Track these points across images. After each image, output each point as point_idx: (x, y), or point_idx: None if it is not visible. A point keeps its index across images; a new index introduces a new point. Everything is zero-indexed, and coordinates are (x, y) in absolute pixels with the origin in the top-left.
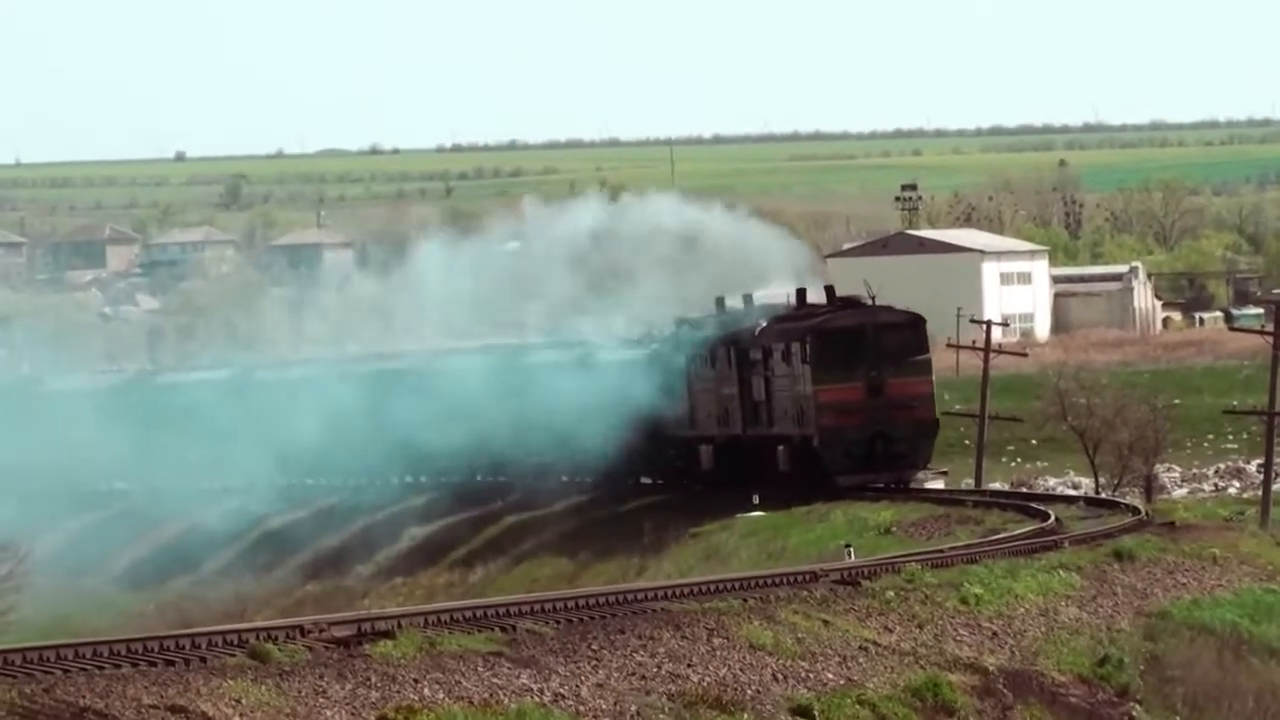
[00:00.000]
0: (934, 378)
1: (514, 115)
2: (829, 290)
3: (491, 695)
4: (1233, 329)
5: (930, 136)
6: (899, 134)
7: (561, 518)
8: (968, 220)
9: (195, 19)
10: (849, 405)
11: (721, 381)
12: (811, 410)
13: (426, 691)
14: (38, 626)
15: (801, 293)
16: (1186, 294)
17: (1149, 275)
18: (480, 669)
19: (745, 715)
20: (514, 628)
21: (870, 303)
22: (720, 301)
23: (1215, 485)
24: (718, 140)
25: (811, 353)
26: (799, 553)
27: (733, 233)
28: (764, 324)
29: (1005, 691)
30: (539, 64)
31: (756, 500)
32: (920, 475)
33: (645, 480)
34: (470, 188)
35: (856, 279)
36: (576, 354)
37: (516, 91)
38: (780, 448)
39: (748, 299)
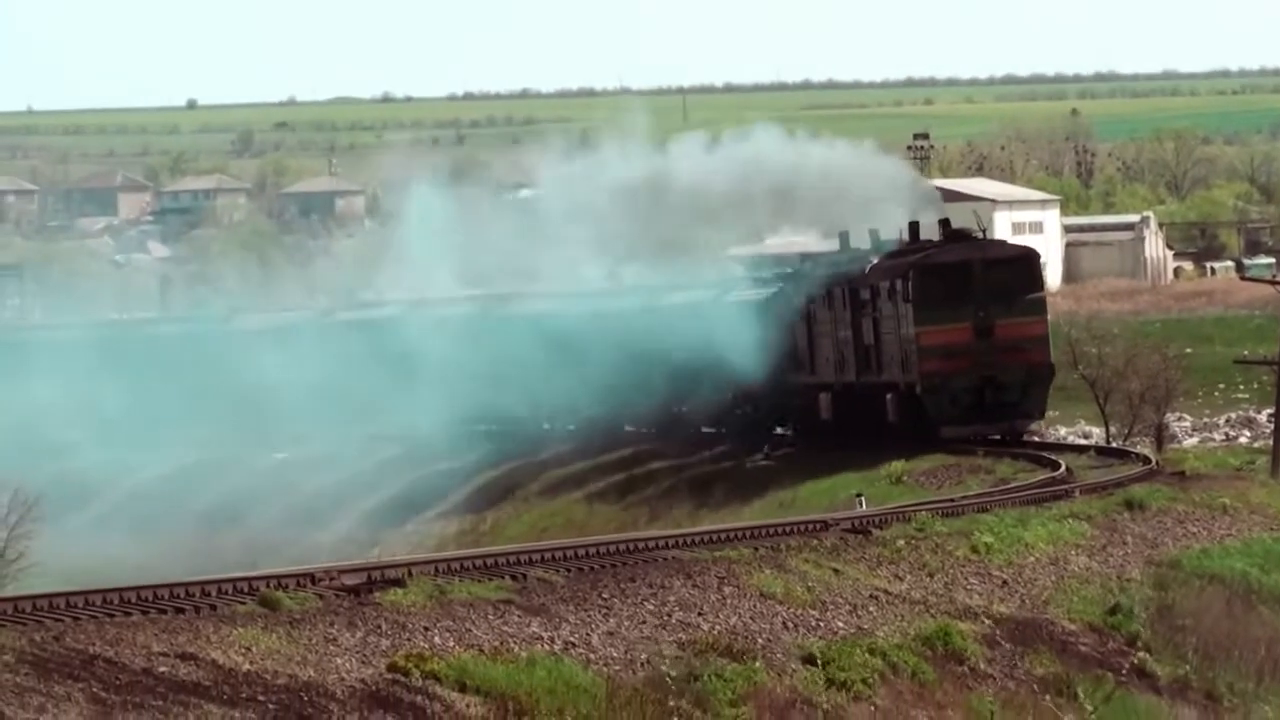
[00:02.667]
0: (1049, 317)
1: (526, 63)
2: (943, 224)
3: (502, 643)
4: (1244, 279)
5: (942, 85)
6: (911, 83)
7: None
8: (979, 170)
9: None
10: (954, 348)
11: (838, 324)
12: (914, 355)
13: (437, 639)
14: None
15: (914, 226)
16: (1198, 244)
17: (1160, 225)
18: (491, 617)
19: (756, 663)
20: (524, 576)
21: (980, 236)
22: (844, 237)
23: (1226, 435)
24: (730, 89)
25: (913, 291)
26: (810, 502)
27: (845, 162)
28: (874, 261)
29: (1012, 640)
30: (551, 12)
31: (765, 450)
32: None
33: (779, 431)
34: (483, 135)
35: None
36: (702, 296)
37: (528, 39)
38: (889, 396)
39: (873, 234)
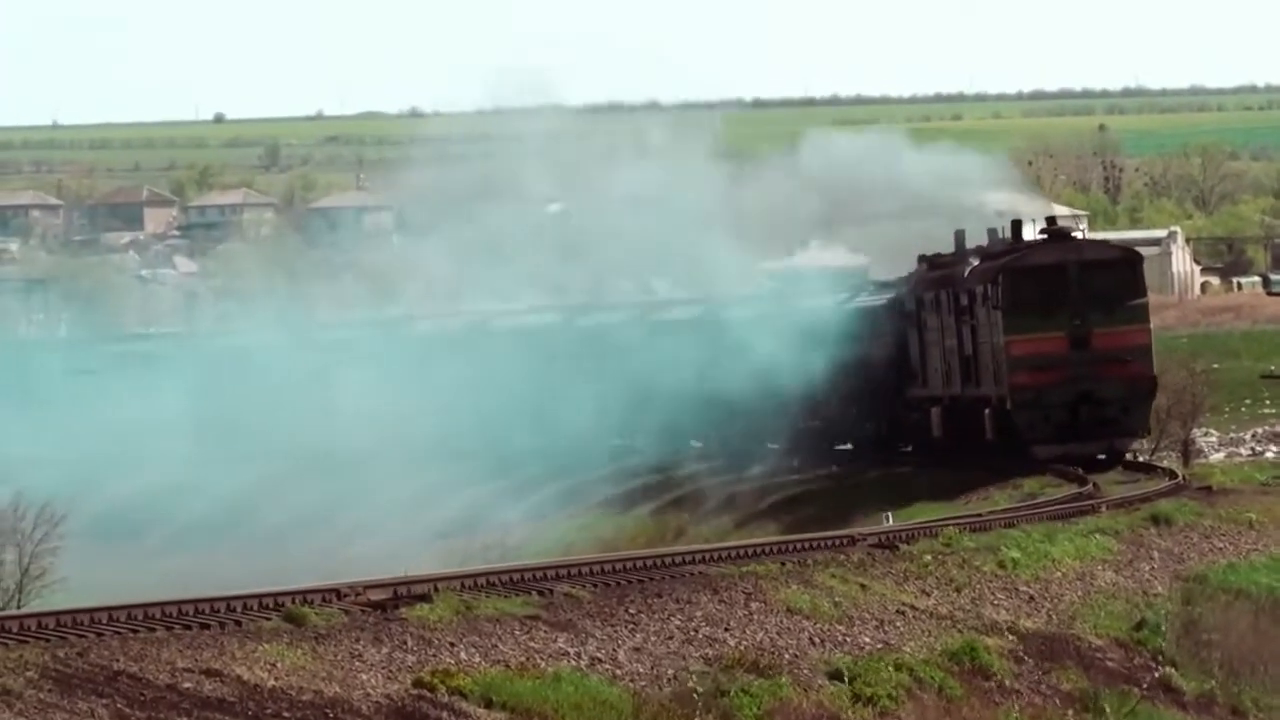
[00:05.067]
0: (1151, 327)
1: (552, 75)
2: (1049, 221)
3: (528, 659)
4: (1270, 294)
5: (970, 100)
6: (939, 98)
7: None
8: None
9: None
10: (1048, 360)
11: (945, 331)
12: (1004, 366)
13: (463, 655)
14: None
15: (1017, 225)
16: (1225, 258)
17: (1187, 240)
18: (517, 632)
19: (783, 679)
20: (551, 591)
21: (1080, 235)
22: (959, 236)
23: (1252, 449)
24: (758, 104)
25: (1003, 296)
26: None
27: (946, 167)
28: (975, 263)
29: (1038, 656)
30: (577, 26)
31: (795, 464)
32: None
33: (905, 449)
34: (509, 149)
35: (901, 245)
36: (816, 304)
37: (553, 55)
38: (986, 411)
39: (992, 233)
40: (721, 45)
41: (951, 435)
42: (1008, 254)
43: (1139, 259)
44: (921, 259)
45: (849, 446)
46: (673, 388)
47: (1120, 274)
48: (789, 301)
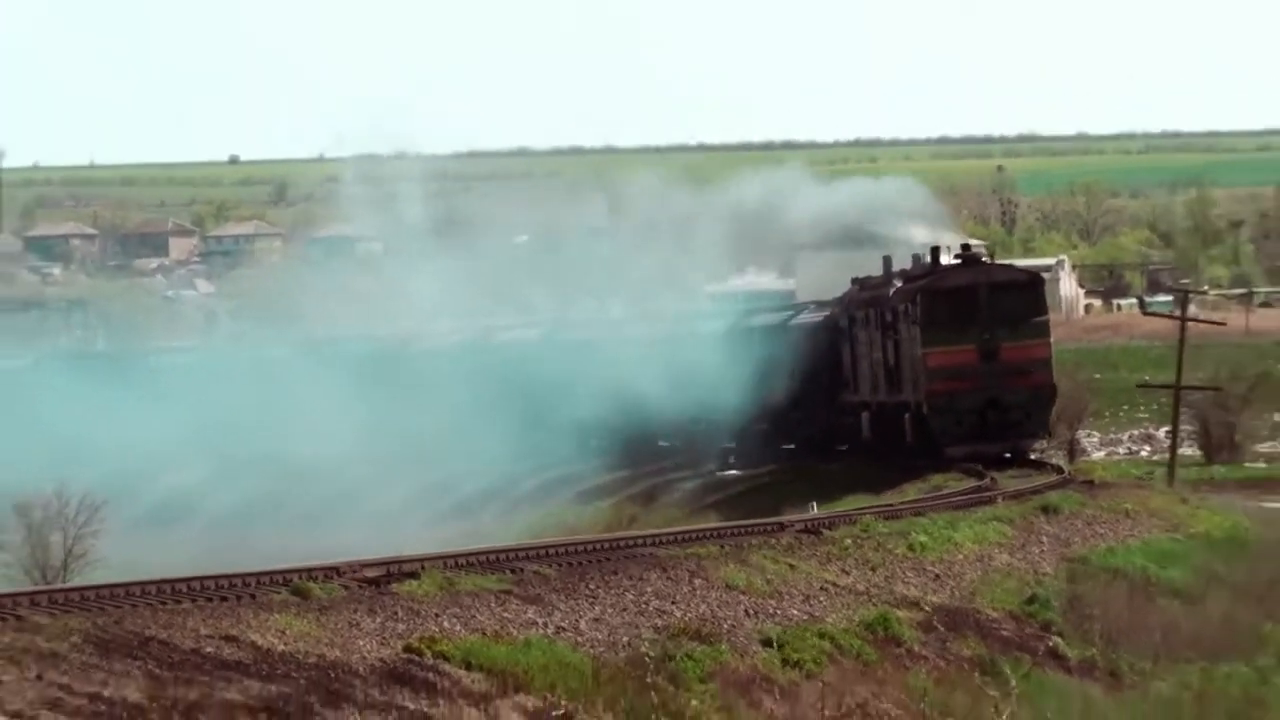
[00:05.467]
0: (1052, 341)
1: (523, 124)
2: (964, 248)
3: (502, 628)
4: (1146, 314)
5: (886, 145)
6: (859, 143)
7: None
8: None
9: (244, 42)
10: (960, 370)
11: (873, 345)
12: (922, 375)
13: (446, 624)
14: None
15: (935, 251)
16: (1106, 283)
17: (1073, 267)
18: (493, 605)
19: (722, 646)
20: (522, 569)
21: (988, 260)
22: (887, 261)
23: (1129, 449)
24: (702, 148)
25: (922, 314)
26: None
27: (874, 194)
28: (899, 285)
29: (943, 626)
30: (546, 78)
31: (732, 460)
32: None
33: (840, 447)
34: (484, 186)
35: (830, 269)
36: (764, 320)
37: (525, 102)
38: (906, 415)
39: (917, 258)
40: (671, 94)
41: (878, 436)
42: (926, 276)
43: (1041, 281)
44: (854, 281)
45: (792, 446)
46: (640, 395)
47: (1025, 295)
48: (739, 319)
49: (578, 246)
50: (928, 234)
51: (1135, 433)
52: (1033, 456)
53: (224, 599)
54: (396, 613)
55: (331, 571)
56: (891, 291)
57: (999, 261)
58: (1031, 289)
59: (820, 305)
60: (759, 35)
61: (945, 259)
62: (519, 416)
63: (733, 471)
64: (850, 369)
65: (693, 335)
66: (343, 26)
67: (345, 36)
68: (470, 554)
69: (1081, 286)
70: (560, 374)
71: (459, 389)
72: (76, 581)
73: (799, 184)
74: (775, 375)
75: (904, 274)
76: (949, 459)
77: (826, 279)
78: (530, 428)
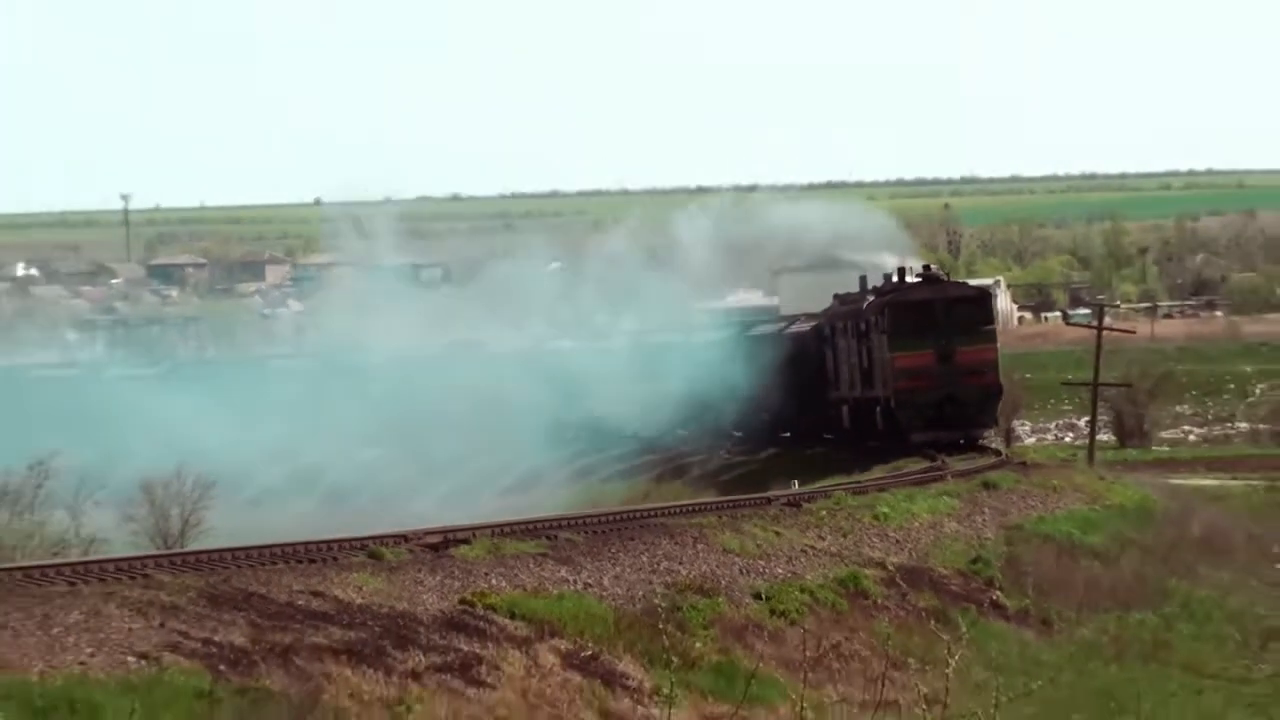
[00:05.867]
0: (999, 346)
1: (556, 169)
2: (925, 268)
3: (540, 584)
4: (1068, 324)
5: (852, 187)
6: (829, 185)
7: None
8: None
9: (326, 101)
10: (921, 370)
11: (851, 350)
12: (889, 374)
13: (494, 582)
14: None
15: (901, 271)
16: (1035, 299)
17: (1008, 286)
18: (532, 566)
19: (720, 598)
20: (556, 536)
21: (944, 278)
22: (863, 280)
23: (1055, 435)
24: (701, 190)
25: (889, 323)
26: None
27: (848, 221)
28: (871, 299)
29: (903, 582)
30: (576, 130)
31: (735, 445)
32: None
33: (827, 436)
34: (524, 224)
35: (804, 289)
36: (764, 330)
37: (559, 151)
38: (877, 408)
39: (887, 277)
40: (674, 142)
41: (856, 426)
42: (892, 292)
43: (989, 296)
44: (835, 296)
45: (788, 434)
46: (667, 391)
47: (975, 307)
48: (743, 329)
49: (597, 272)
50: (894, 258)
51: (1060, 422)
52: (981, 443)
53: (312, 561)
54: (453, 572)
55: (400, 538)
56: (865, 305)
57: (953, 280)
58: (981, 302)
59: (810, 317)
60: (735, 89)
61: (909, 278)
62: (563, 411)
63: (739, 456)
64: (834, 370)
65: (704, 343)
66: (403, 88)
67: (404, 96)
68: (512, 524)
69: (1015, 302)
70: (592, 376)
71: (516, 388)
72: (192, 547)
73: (780, 209)
74: (773, 376)
75: (875, 290)
76: (913, 444)
77: (804, 296)
78: (571, 421)
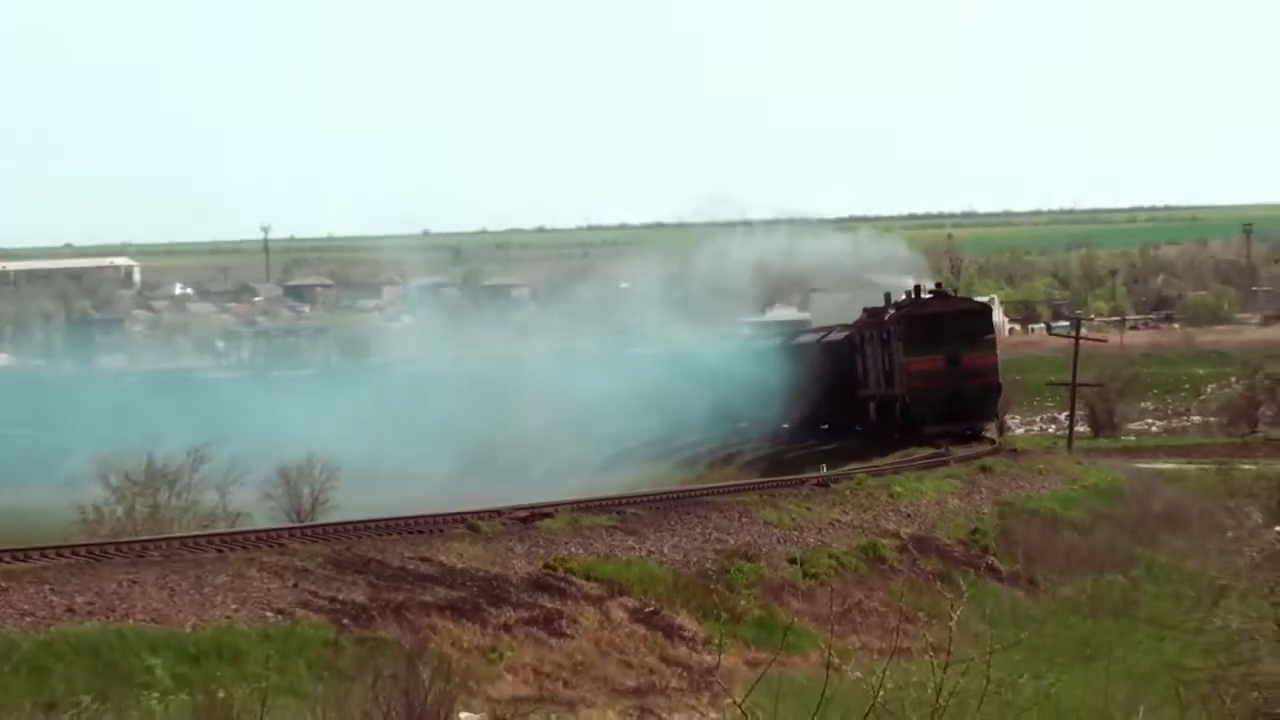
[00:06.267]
0: (998, 352)
1: (622, 205)
2: (937, 286)
3: (610, 551)
4: (1051, 334)
5: (868, 220)
6: (852, 218)
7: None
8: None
9: (429, 146)
10: (932, 373)
11: (876, 355)
12: (905, 376)
13: (572, 549)
14: None
15: (917, 288)
16: (1023, 314)
17: (1001, 303)
18: (604, 535)
19: (761, 563)
20: (624, 511)
21: (952, 294)
22: (888, 296)
23: (1040, 427)
24: (746, 223)
25: (904, 333)
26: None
27: (873, 250)
28: (892, 311)
29: (914, 550)
30: (643, 171)
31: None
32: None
33: (858, 428)
34: (598, 251)
35: (832, 306)
36: (806, 338)
37: (626, 189)
38: (897, 405)
39: (908, 292)
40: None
41: (881, 420)
42: (908, 306)
43: (990, 310)
44: (865, 310)
45: (826, 427)
46: (731, 390)
47: (978, 318)
48: (789, 338)
49: (659, 292)
50: (911, 279)
51: (1044, 416)
52: (984, 435)
53: (421, 532)
54: (538, 541)
55: (494, 513)
56: (886, 316)
57: (960, 295)
58: (984, 315)
59: (845, 327)
60: (755, 129)
61: (924, 295)
62: (647, 405)
63: (789, 445)
64: (862, 372)
65: (757, 349)
66: (495, 134)
67: (496, 140)
68: (588, 501)
69: (1007, 316)
70: (721, 375)
71: (591, 386)
72: (320, 520)
73: (816, 239)
74: (815, 377)
75: (895, 305)
76: (925, 436)
77: (832, 312)
78: (655, 414)
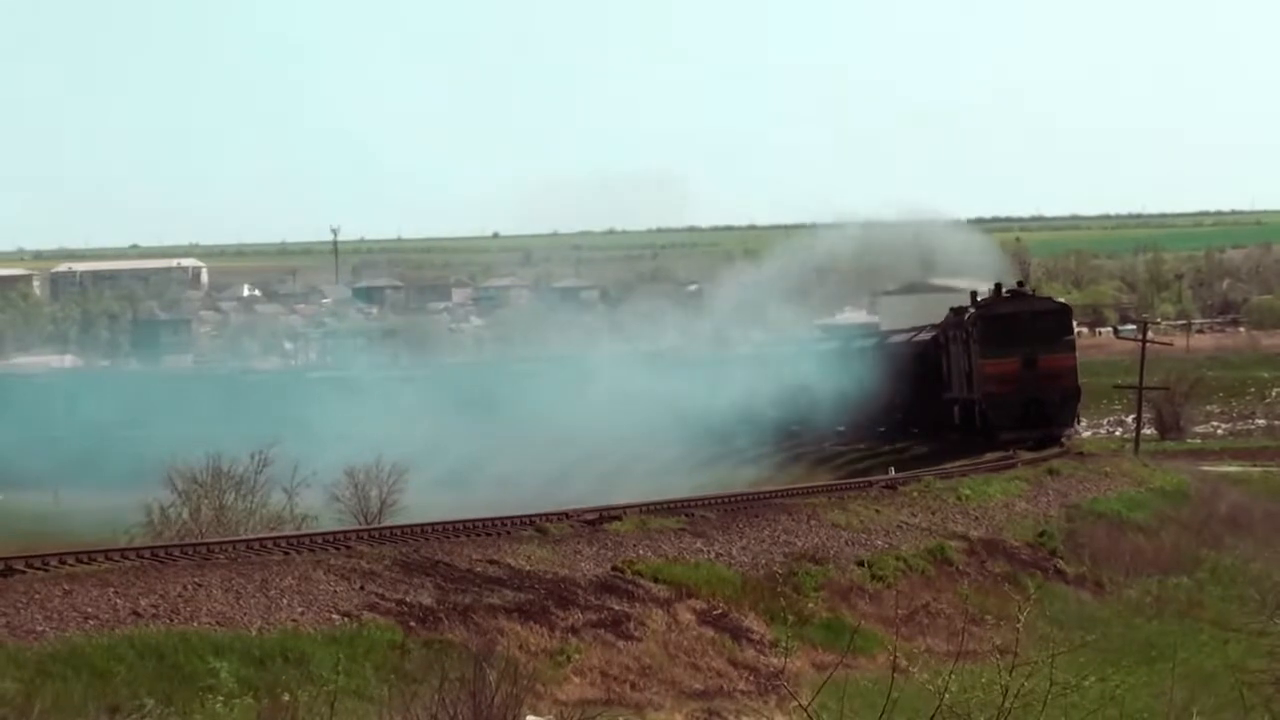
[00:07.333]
0: (1076, 354)
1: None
2: (1019, 284)
3: (679, 554)
4: (1118, 338)
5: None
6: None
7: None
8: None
9: (500, 149)
10: (1008, 376)
11: (958, 356)
12: (980, 379)
13: (641, 551)
14: None
15: (998, 287)
16: (1091, 317)
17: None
18: (673, 538)
19: (829, 566)
20: (693, 513)
21: (1030, 293)
22: (973, 295)
23: (1107, 430)
24: (773, 228)
25: (979, 334)
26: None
27: (960, 241)
28: (972, 310)
29: (981, 552)
30: (710, 174)
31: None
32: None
33: (944, 431)
34: (667, 253)
35: (899, 309)
36: (896, 339)
37: (695, 193)
38: (974, 408)
39: (993, 289)
40: (795, 183)
41: (965, 423)
42: (985, 305)
43: (1069, 310)
44: (950, 310)
45: (916, 430)
46: (818, 390)
47: (1056, 320)
48: (881, 338)
49: (733, 293)
50: (991, 279)
51: (1111, 419)
52: (1062, 441)
53: (488, 534)
54: (606, 543)
55: (562, 515)
56: (966, 316)
57: (1038, 295)
58: (1062, 315)
59: (932, 328)
60: (821, 130)
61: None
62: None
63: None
64: (946, 373)
65: (851, 350)
66: (566, 137)
67: (567, 143)
68: (657, 503)
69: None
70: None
71: (688, 389)
72: (388, 522)
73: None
74: (903, 378)
75: (976, 304)
76: (1001, 442)
77: (899, 315)
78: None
